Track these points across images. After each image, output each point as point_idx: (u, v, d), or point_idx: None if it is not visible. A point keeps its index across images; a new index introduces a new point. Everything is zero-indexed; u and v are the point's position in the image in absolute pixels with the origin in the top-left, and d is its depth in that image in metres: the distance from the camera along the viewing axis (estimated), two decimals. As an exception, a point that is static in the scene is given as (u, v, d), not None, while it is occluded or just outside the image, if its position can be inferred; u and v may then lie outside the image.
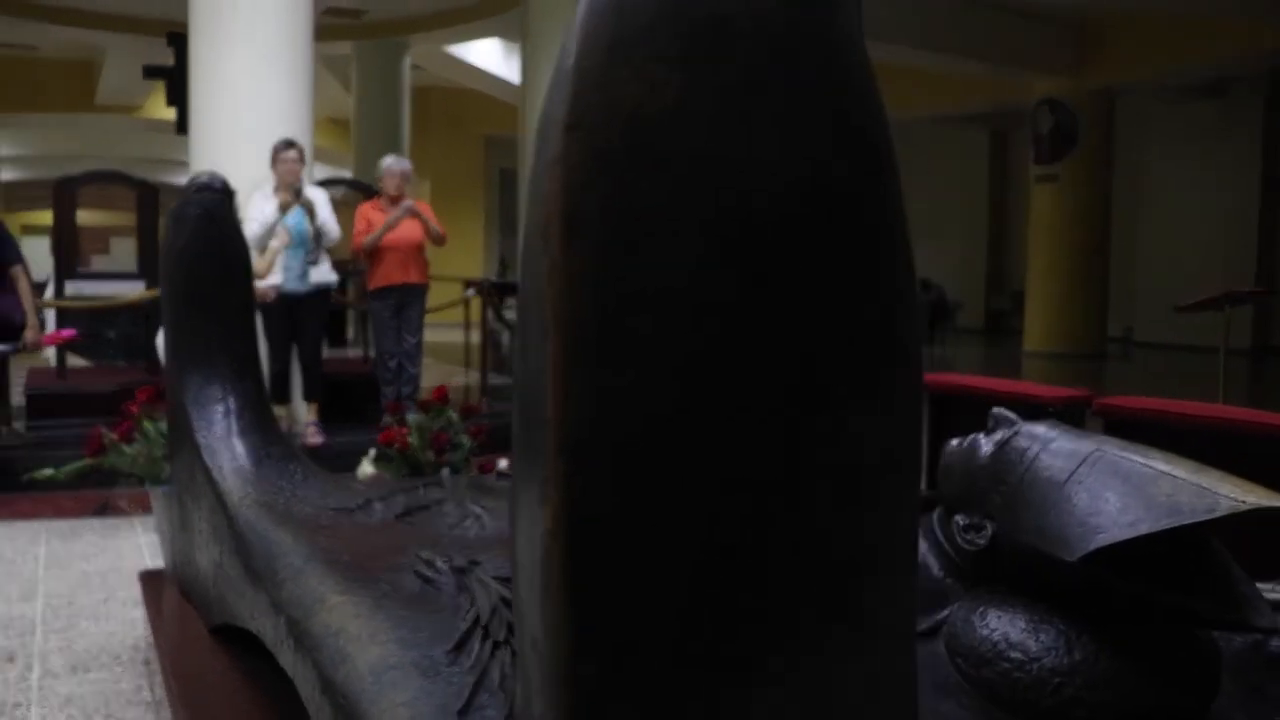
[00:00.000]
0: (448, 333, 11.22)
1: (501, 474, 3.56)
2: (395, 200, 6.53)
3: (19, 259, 5.54)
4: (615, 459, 0.56)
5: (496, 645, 1.67)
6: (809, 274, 0.57)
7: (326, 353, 9.33)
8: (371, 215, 6.63)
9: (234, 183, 5.78)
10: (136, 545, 4.60)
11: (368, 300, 6.98)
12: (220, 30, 6.01)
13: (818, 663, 0.65)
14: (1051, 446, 1.43)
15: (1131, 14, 12.71)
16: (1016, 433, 1.49)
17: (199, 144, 6.15)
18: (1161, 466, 1.33)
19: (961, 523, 1.51)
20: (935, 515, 1.58)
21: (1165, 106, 15.82)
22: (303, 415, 6.20)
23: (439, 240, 6.89)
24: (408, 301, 6.77)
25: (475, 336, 10.36)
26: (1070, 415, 3.56)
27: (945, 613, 1.47)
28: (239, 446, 2.81)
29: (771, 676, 0.63)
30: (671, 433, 0.55)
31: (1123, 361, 14.44)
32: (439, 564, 2.12)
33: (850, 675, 0.67)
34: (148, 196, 7.36)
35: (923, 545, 1.56)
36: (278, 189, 5.89)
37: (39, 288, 6.05)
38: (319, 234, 5.94)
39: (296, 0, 6.19)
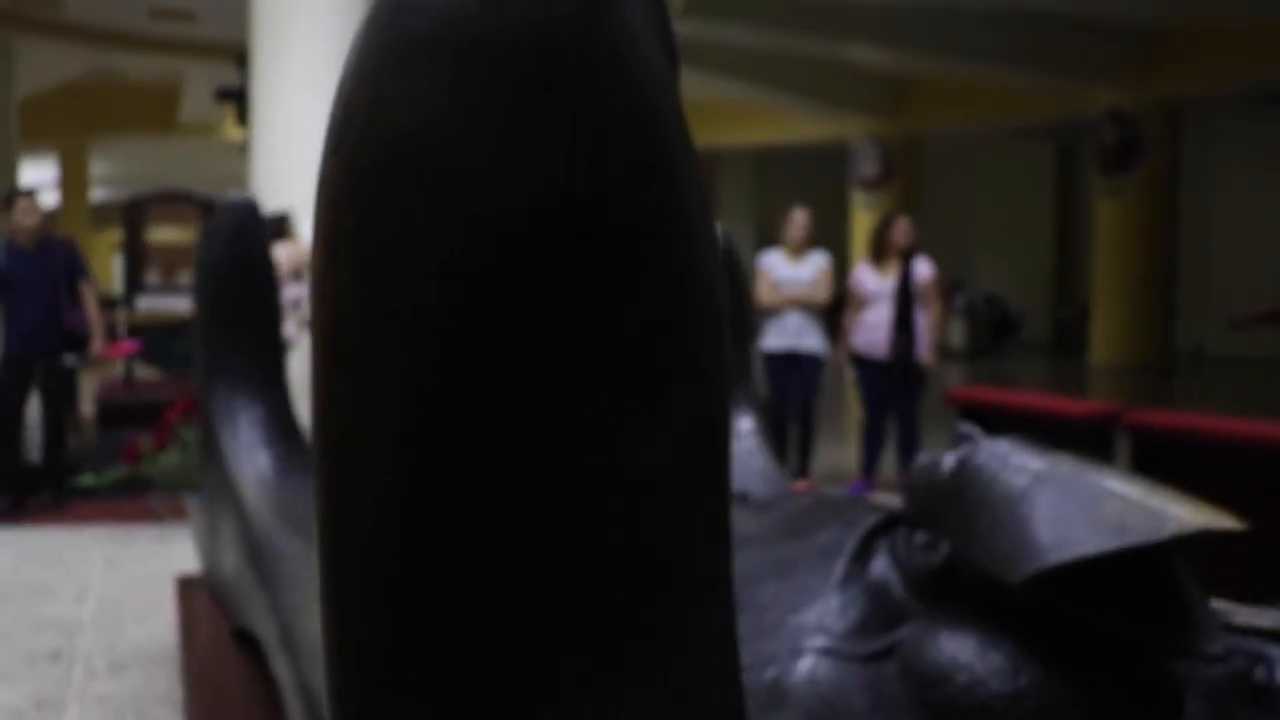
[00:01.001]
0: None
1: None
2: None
3: (87, 274, 5.77)
4: (368, 469, 0.59)
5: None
6: (569, 288, 0.57)
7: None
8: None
9: (293, 199, 6.00)
10: (188, 550, 4.73)
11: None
12: (280, 49, 6.17)
13: (606, 687, 0.64)
14: (1009, 464, 1.43)
15: (1198, 23, 12.45)
16: (976, 449, 1.49)
17: (260, 162, 6.32)
18: (1113, 486, 1.32)
19: (920, 541, 1.52)
20: (901, 533, 1.59)
21: (1233, 117, 15.44)
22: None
23: None
24: None
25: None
26: (1099, 431, 3.52)
27: (901, 632, 1.48)
28: (262, 455, 2.89)
29: (551, 695, 0.63)
30: (428, 447, 0.58)
31: (1192, 376, 14.09)
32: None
33: (651, 700, 0.67)
34: (211, 214, 7.57)
35: (885, 564, 1.57)
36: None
37: (110, 303, 6.27)
38: None
39: (354, 18, 6.33)
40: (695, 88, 15.90)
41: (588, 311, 0.56)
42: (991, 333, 16.72)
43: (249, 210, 3.01)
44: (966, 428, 1.58)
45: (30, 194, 5.67)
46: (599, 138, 0.55)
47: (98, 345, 5.61)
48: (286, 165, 6.17)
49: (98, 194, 21.93)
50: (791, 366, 6.09)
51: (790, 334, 6.03)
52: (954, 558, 1.45)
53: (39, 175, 17.33)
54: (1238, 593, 2.64)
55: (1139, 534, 1.24)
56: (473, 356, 0.55)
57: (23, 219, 5.44)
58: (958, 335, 16.39)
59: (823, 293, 6.07)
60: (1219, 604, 1.69)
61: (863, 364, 6.04)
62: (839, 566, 1.57)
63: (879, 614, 1.52)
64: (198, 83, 12.70)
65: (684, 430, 0.63)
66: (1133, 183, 13.90)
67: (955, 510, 1.46)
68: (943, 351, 16.29)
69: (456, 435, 0.55)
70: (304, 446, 2.98)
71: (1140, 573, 1.38)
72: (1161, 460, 3.28)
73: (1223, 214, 16.17)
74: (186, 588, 3.40)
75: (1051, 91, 14.33)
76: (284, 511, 2.66)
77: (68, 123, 15.10)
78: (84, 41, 11.78)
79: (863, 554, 1.60)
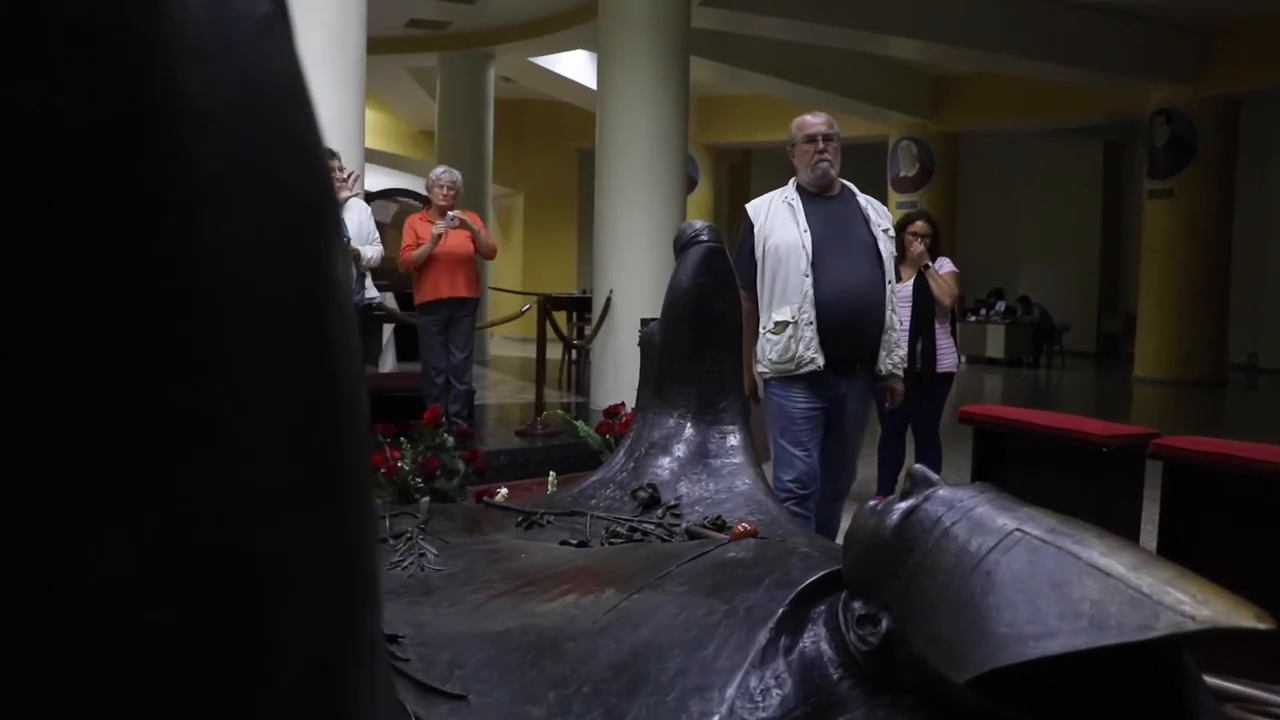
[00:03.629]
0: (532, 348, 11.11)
1: (490, 503, 3.32)
2: (444, 211, 6.37)
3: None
4: None
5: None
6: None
7: (397, 367, 9.27)
8: (419, 227, 6.47)
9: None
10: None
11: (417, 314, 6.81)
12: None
13: None
14: (966, 519, 1.11)
15: (1255, 16, 11.91)
16: (928, 498, 1.16)
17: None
18: (1095, 558, 1.00)
19: (857, 612, 1.20)
20: (842, 599, 1.27)
21: (1293, 116, 14.84)
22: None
23: (489, 253, 6.71)
24: (456, 316, 6.58)
25: (554, 352, 10.25)
26: (1128, 457, 3.16)
27: (830, 726, 1.16)
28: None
29: None
30: None
31: (1245, 390, 13.52)
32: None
33: None
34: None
35: (819, 637, 1.25)
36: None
37: None
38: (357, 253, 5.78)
39: (348, 14, 6.10)
40: (730, 84, 15.61)
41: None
42: (1031, 343, 16.18)
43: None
44: (920, 469, 1.25)
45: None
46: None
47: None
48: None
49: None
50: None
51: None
52: (892, 636, 1.13)
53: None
54: (1270, 661, 2.28)
55: (1119, 630, 0.91)
56: None
57: None
58: (995, 345, 15.90)
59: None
60: (1238, 688, 1.36)
61: (880, 374, 5.69)
62: (760, 637, 1.26)
63: (807, 700, 1.21)
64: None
65: (161, 521, 0.47)
66: (1184, 184, 13.35)
67: (897, 576, 1.14)
68: (976, 361, 15.84)
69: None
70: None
71: (1127, 669, 1.05)
72: (1196, 492, 2.92)
73: (1279, 218, 15.56)
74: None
75: (1099, 88, 13.83)
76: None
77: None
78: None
79: (794, 622, 1.28)
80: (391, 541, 2.58)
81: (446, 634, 1.72)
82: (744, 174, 21.00)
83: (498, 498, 3.52)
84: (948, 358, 5.63)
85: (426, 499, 3.08)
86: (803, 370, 3.59)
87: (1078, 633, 0.93)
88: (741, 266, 3.59)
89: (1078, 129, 16.62)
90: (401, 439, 3.48)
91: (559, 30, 11.47)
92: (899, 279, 5.59)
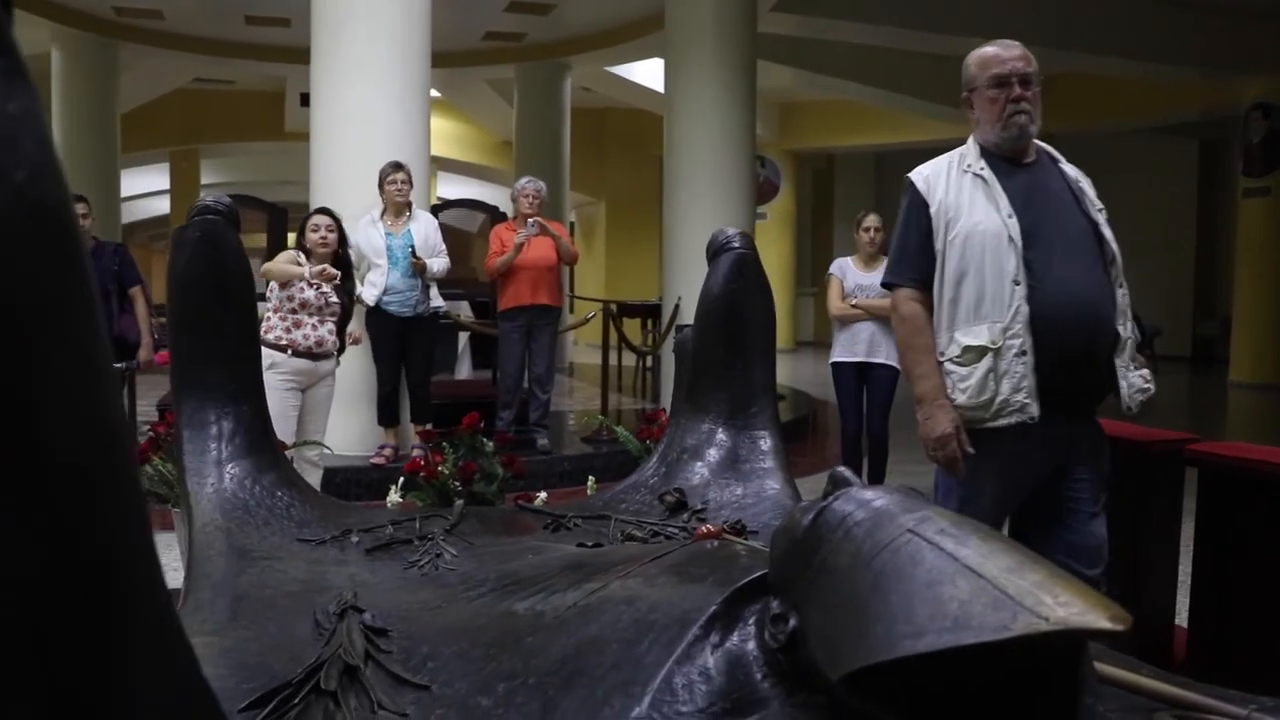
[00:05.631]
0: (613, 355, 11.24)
1: (523, 506, 3.40)
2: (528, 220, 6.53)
3: (138, 281, 5.84)
4: None
5: (314, 699, 1.56)
6: None
7: (473, 375, 9.46)
8: (504, 235, 6.63)
9: (350, 205, 5.95)
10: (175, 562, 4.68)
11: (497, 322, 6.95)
12: (338, 58, 6.15)
13: None
14: (868, 520, 1.14)
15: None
16: (837, 497, 1.20)
17: (318, 167, 6.30)
18: (971, 558, 1.02)
19: (773, 611, 1.24)
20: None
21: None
22: (411, 438, 6.22)
23: (570, 258, 6.84)
24: (538, 325, 6.69)
25: (632, 359, 10.34)
26: (1167, 463, 3.11)
27: (742, 727, 1.20)
28: (224, 471, 2.78)
29: None
30: None
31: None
32: (332, 609, 2.01)
33: None
34: (278, 218, 7.64)
35: (746, 636, 1.29)
36: (385, 212, 5.95)
37: (158, 308, 6.36)
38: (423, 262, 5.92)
39: (413, 29, 6.27)
40: (811, 89, 15.55)
41: None
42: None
43: (221, 214, 2.89)
44: (842, 471, 1.29)
45: (81, 199, 5.76)
46: None
47: (145, 352, 5.67)
48: (344, 164, 6.14)
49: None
50: (862, 380, 5.74)
51: (861, 345, 5.68)
52: (797, 635, 1.17)
53: (152, 181, 18.06)
54: None
55: (979, 630, 0.94)
56: None
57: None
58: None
59: (897, 302, 5.68)
60: (1178, 692, 1.36)
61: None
62: (689, 634, 1.30)
63: (729, 697, 1.25)
64: (299, 88, 13.04)
65: None
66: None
67: (804, 575, 1.18)
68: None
69: None
70: (277, 462, 2.86)
71: (1036, 665, 1.07)
72: (1228, 498, 2.87)
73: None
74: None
75: (1191, 84, 13.43)
76: (228, 530, 2.53)
77: (179, 130, 15.69)
78: (185, 49, 12.18)
79: (726, 621, 1.33)
80: (416, 542, 2.68)
81: (430, 629, 1.80)
82: (827, 180, 20.87)
83: (536, 502, 3.60)
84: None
85: (460, 502, 3.17)
86: (1004, 420, 2.53)
87: (942, 632, 0.96)
88: (908, 261, 2.70)
89: (1170, 127, 16.15)
90: (444, 443, 3.58)
91: (631, 39, 11.60)
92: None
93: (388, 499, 3.51)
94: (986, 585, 0.98)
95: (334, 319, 4.76)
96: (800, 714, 1.18)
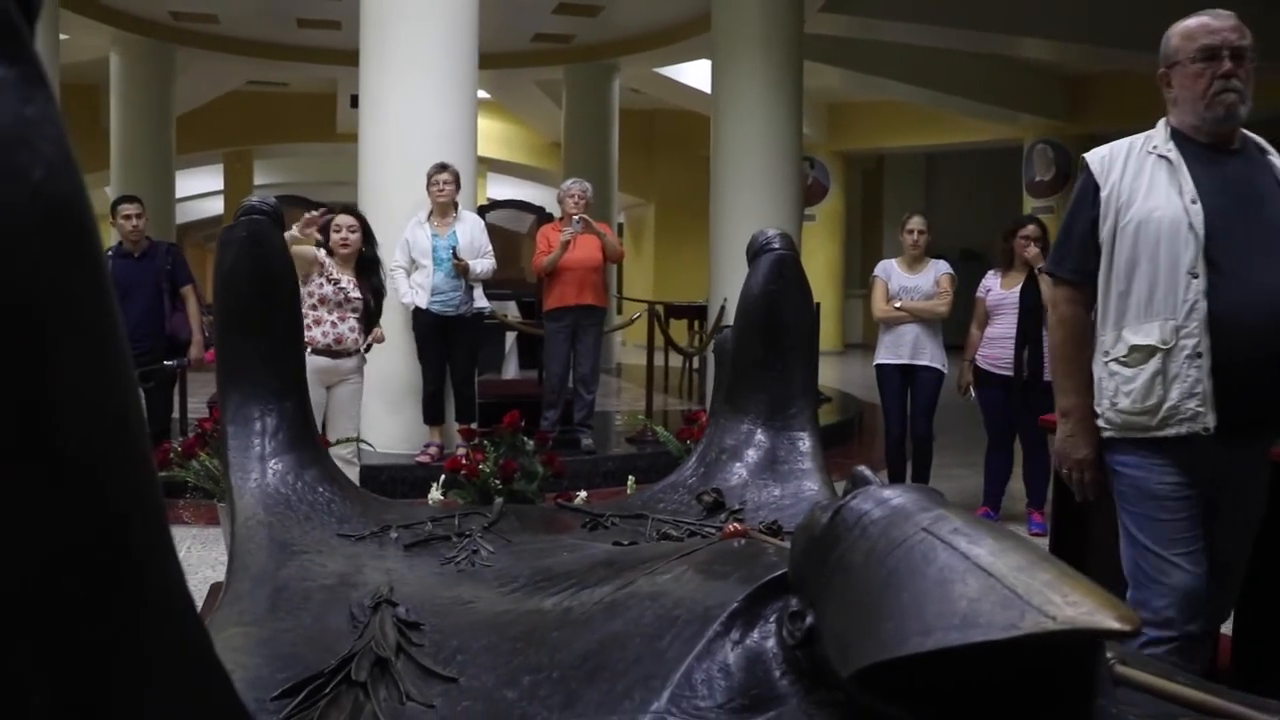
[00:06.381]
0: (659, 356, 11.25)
1: (563, 505, 3.43)
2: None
3: (190, 280, 5.96)
4: None
5: (345, 689, 1.59)
6: None
7: (520, 374, 9.53)
8: (550, 235, 6.68)
9: (398, 206, 6.01)
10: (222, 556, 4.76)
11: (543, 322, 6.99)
12: (387, 60, 6.23)
13: None
14: (884, 518, 1.14)
15: None
16: (855, 495, 1.20)
17: (366, 168, 6.38)
18: (982, 557, 1.02)
19: (792, 608, 1.25)
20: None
21: None
22: (456, 436, 6.28)
23: (615, 256, 6.87)
24: (583, 325, 6.73)
25: (675, 360, 10.35)
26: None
27: (757, 720, 1.21)
28: (267, 466, 2.83)
29: None
30: None
31: None
32: (367, 603, 2.05)
33: None
34: (327, 220, 7.74)
35: (766, 634, 1.30)
36: (432, 213, 6.01)
37: (208, 307, 6.49)
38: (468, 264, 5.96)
39: (461, 31, 6.33)
40: (860, 90, 15.45)
41: None
42: None
43: (267, 214, 2.95)
44: (861, 470, 1.29)
45: (134, 200, 5.90)
46: None
47: (196, 350, 5.78)
48: (393, 165, 6.21)
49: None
50: (907, 382, 5.70)
51: (906, 347, 5.65)
52: (813, 632, 1.18)
53: (206, 182, 18.36)
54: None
55: (987, 629, 0.94)
56: None
57: (125, 224, 5.68)
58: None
59: (943, 305, 5.65)
60: (1200, 695, 1.34)
61: (984, 382, 5.58)
62: (709, 630, 1.32)
63: (747, 693, 1.26)
64: (350, 90, 13.21)
65: None
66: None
67: (820, 573, 1.19)
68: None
69: None
70: (319, 458, 2.91)
71: (1053, 664, 1.07)
72: None
73: None
74: (214, 594, 3.37)
75: (1255, 81, 13.13)
76: (270, 524, 2.58)
77: (233, 132, 15.96)
78: (239, 52, 12.39)
79: (747, 618, 1.34)
80: (454, 539, 2.71)
81: (462, 623, 1.83)
82: (877, 181, 20.72)
83: (575, 501, 3.63)
84: (1055, 366, 5.49)
85: (500, 500, 3.21)
86: (1173, 429, 2.28)
87: (950, 630, 0.96)
88: (1069, 250, 2.48)
89: (1229, 127, 15.81)
90: (485, 441, 3.63)
91: (679, 41, 11.61)
92: (1009, 283, 5.50)
93: (429, 496, 3.56)
94: (996, 584, 0.98)
95: (355, 316, 4.81)
96: (818, 711, 1.19)
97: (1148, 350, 2.30)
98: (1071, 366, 2.46)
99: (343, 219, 4.94)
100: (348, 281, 4.78)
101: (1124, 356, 2.33)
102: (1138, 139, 2.42)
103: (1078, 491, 2.49)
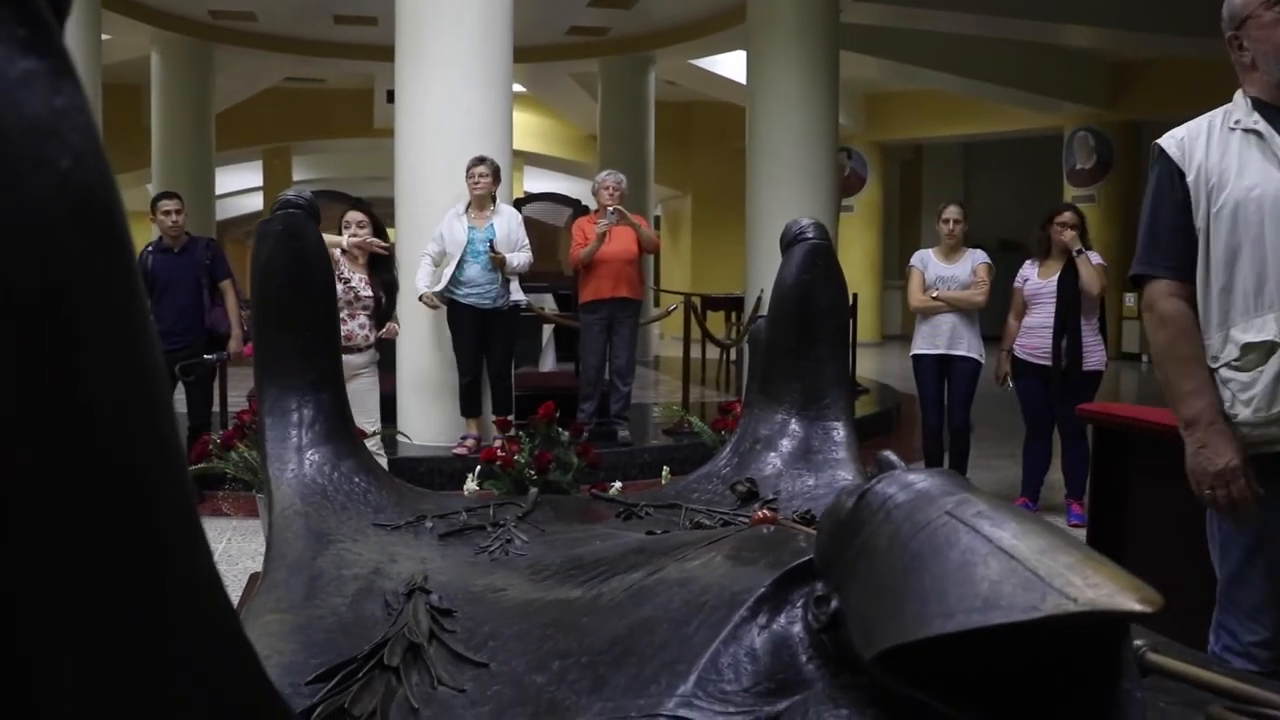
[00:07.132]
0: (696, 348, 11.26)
1: (597, 495, 3.45)
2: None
3: (228, 275, 6.04)
4: None
5: (377, 674, 1.62)
6: None
7: (557, 367, 9.56)
8: (586, 228, 6.70)
9: (435, 199, 6.05)
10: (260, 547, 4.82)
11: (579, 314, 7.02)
12: (422, 55, 6.27)
13: None
14: (908, 502, 1.15)
15: None
16: (880, 480, 1.20)
17: (403, 163, 6.43)
18: (1005, 540, 1.02)
19: (817, 592, 1.25)
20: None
21: None
22: (492, 428, 6.33)
23: (650, 246, 6.89)
24: (619, 317, 6.75)
25: (713, 352, 10.35)
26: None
27: (784, 706, 1.21)
28: (304, 457, 2.87)
29: None
30: None
31: None
32: (401, 590, 2.08)
33: None
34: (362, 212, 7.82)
35: (793, 619, 1.31)
36: (469, 206, 6.05)
37: (247, 302, 6.57)
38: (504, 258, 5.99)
39: (496, 25, 6.36)
40: (897, 80, 15.34)
41: None
42: None
43: (303, 208, 2.98)
44: (886, 455, 1.29)
45: (173, 196, 5.98)
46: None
47: (235, 343, 5.85)
48: (430, 159, 6.26)
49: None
50: (944, 372, 5.67)
51: (943, 337, 5.61)
52: (838, 616, 1.18)
53: (245, 179, 18.54)
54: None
55: (1008, 611, 0.94)
56: None
57: (165, 219, 5.77)
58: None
59: (979, 294, 5.61)
60: (1230, 683, 1.33)
61: (1022, 372, 5.54)
62: (736, 615, 1.32)
63: (773, 677, 1.27)
64: (386, 85, 13.30)
65: None
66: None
67: (845, 557, 1.19)
68: (1132, 359, 14.99)
69: None
70: (355, 450, 2.94)
71: (1074, 648, 1.07)
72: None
73: None
74: (253, 584, 3.42)
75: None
76: (307, 514, 2.62)
77: (272, 128, 16.14)
78: (277, 49, 12.52)
79: (774, 603, 1.34)
80: (488, 528, 2.74)
81: (494, 610, 1.85)
82: (915, 171, 20.56)
83: (610, 491, 3.65)
84: (1095, 355, 5.45)
85: (535, 490, 3.23)
86: None
87: (971, 612, 0.97)
88: (1160, 245, 2.20)
89: (1275, 113, 15.55)
90: (520, 433, 3.65)
91: (715, 32, 11.59)
92: (1046, 272, 5.45)
93: (465, 487, 3.59)
94: (1018, 566, 0.98)
95: (365, 312, 4.86)
96: (843, 695, 1.20)
97: (1265, 348, 2.01)
98: (1186, 366, 2.13)
99: (352, 215, 5.01)
100: (358, 280, 4.85)
101: (1236, 360, 2.05)
102: (1215, 115, 2.18)
103: (1229, 516, 2.09)
